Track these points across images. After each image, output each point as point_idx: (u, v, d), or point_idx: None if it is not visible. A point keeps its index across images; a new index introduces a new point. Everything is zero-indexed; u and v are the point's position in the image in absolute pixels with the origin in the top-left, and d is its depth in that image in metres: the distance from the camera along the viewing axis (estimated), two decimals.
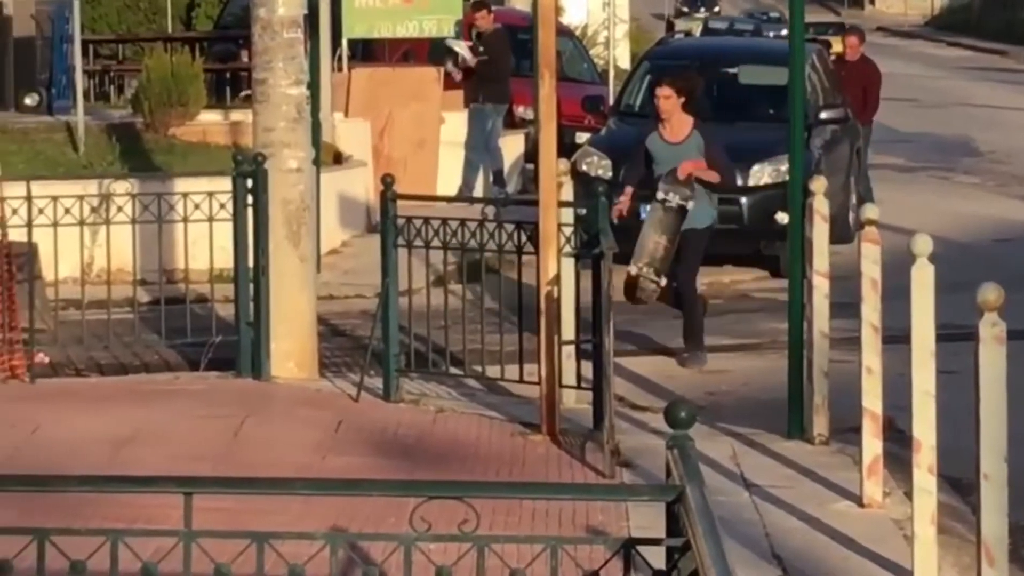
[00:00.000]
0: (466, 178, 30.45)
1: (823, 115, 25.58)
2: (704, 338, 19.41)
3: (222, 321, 18.96)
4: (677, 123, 17.08)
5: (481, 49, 31.31)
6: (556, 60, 16.38)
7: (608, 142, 26.74)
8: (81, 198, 20.33)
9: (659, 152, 17.32)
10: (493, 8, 36.02)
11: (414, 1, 30.38)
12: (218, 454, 14.10)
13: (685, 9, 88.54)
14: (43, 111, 30.15)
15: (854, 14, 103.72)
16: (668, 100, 17.23)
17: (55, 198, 20.00)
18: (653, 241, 18.68)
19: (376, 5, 30.18)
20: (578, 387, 15.95)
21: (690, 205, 18.66)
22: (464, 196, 27.19)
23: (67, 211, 19.80)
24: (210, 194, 18.67)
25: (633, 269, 18.96)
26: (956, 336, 11.77)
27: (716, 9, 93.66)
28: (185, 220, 19.72)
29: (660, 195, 18.44)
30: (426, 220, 17.65)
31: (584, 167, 24.16)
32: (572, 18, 38.25)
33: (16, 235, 18.90)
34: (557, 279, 15.65)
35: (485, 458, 14.55)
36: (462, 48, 31.30)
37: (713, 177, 18.78)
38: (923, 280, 12.37)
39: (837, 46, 32.25)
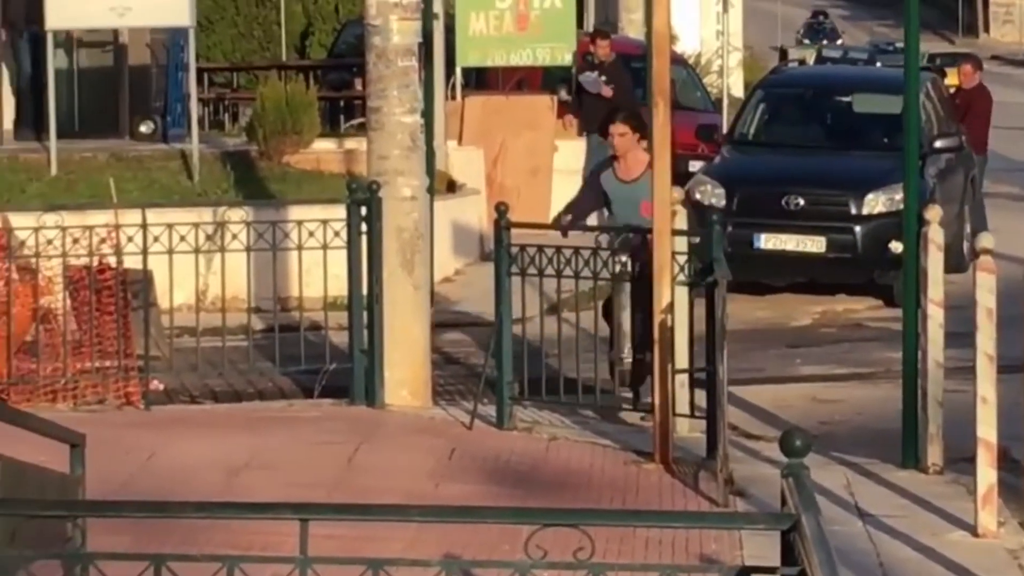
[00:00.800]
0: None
1: (938, 144, 25.41)
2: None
3: (336, 349, 18.97)
4: (632, 161, 16.49)
5: (603, 79, 31.34)
6: (670, 88, 16.31)
7: (722, 171, 26.65)
8: (196, 226, 20.38)
9: (613, 190, 16.73)
10: (609, 35, 36.02)
11: (528, 29, 30.39)
12: (332, 481, 14.10)
13: (806, 41, 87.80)
14: (158, 139, 30.27)
15: (968, 42, 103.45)
16: (623, 137, 16.58)
17: (170, 226, 20.06)
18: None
19: (490, 33, 30.20)
20: (691, 415, 15.90)
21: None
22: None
23: (182, 239, 19.85)
24: (324, 222, 18.69)
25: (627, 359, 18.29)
26: None
27: (839, 41, 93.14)
28: (299, 248, 19.76)
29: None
30: (540, 248, 17.62)
31: (698, 196, 24.10)
32: (686, 46, 38.13)
33: (131, 262, 18.96)
34: (671, 307, 15.62)
35: (598, 486, 14.52)
36: (594, 83, 31.37)
37: None
38: None
39: (952, 78, 31.97)
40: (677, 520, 11.85)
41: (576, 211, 17.52)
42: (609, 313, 18.00)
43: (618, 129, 16.48)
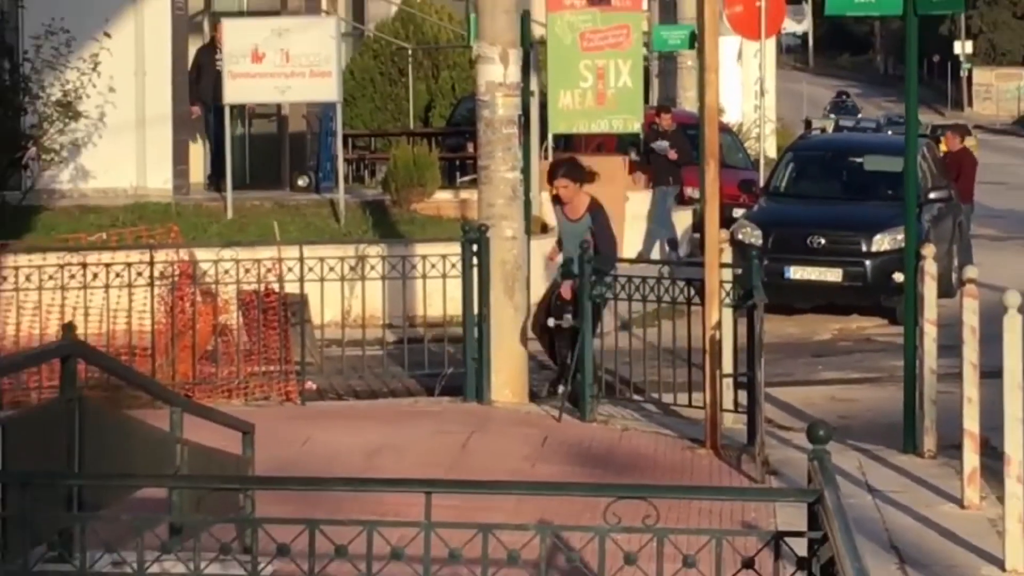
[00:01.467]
0: (647, 244, 30.45)
1: (931, 195, 25.37)
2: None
3: (452, 357, 18.98)
4: (576, 204, 16.52)
5: (666, 146, 31.35)
6: (719, 151, 16.29)
7: (759, 216, 26.69)
8: (342, 259, 20.43)
9: (563, 226, 16.78)
10: (671, 109, 36.14)
11: (605, 103, 30.33)
12: (449, 463, 14.11)
13: (832, 115, 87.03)
14: (312, 191, 30.35)
15: (955, 115, 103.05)
16: (566, 188, 16.63)
17: (322, 259, 20.12)
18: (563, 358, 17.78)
19: (575, 107, 30.17)
20: (735, 411, 15.84)
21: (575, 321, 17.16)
22: (645, 259, 27.13)
23: (331, 269, 19.91)
24: (444, 256, 18.71)
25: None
26: None
27: (859, 115, 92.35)
28: (424, 277, 19.76)
29: (551, 322, 17.66)
30: (615, 277, 17.65)
31: (740, 236, 24.05)
32: (730, 117, 37.95)
33: (291, 288, 19.04)
34: (719, 325, 15.60)
35: (660, 467, 14.51)
36: (663, 149, 31.44)
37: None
38: (1013, 327, 12.31)
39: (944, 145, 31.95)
40: (724, 494, 11.82)
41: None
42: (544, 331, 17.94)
43: (561, 183, 16.67)
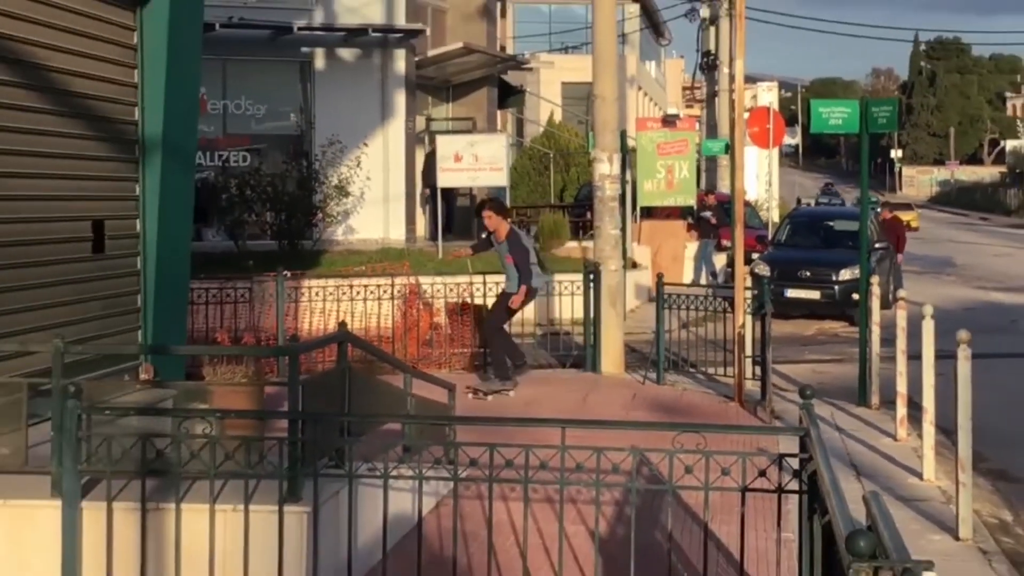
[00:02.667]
0: (696, 274, 30.34)
1: (876, 245, 25.25)
2: (507, 371, 15.76)
3: (576, 344, 18.96)
4: (500, 230, 15.22)
5: (709, 214, 31.34)
6: (743, 217, 16.25)
7: (768, 258, 26.66)
8: None
9: (496, 248, 15.62)
10: (714, 191, 36.09)
11: (672, 187, 30.37)
12: (575, 409, 14.12)
13: (824, 200, 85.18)
14: None
15: (891, 195, 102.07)
16: (491, 219, 15.30)
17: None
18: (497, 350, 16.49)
19: (654, 189, 30.17)
20: (753, 379, 15.71)
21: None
22: (696, 283, 27.05)
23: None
24: (572, 282, 18.72)
25: None
26: (944, 356, 11.59)
27: (841, 199, 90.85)
28: (559, 295, 19.75)
29: (506, 326, 16.50)
30: (678, 295, 17.61)
31: (756, 270, 24.03)
32: (750, 196, 37.71)
33: (477, 300, 19.11)
34: (743, 325, 15.53)
35: (706, 413, 14.45)
36: (708, 217, 31.47)
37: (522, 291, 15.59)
38: (928, 327, 12.22)
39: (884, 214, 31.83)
40: (747, 430, 11.74)
41: (477, 246, 16.90)
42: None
43: (486, 213, 15.38)
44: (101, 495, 7.40)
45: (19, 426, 7.86)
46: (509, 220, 14.81)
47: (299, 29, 27.87)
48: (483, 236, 16.65)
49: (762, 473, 6.81)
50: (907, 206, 70.73)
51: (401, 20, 29.19)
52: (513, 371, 15.72)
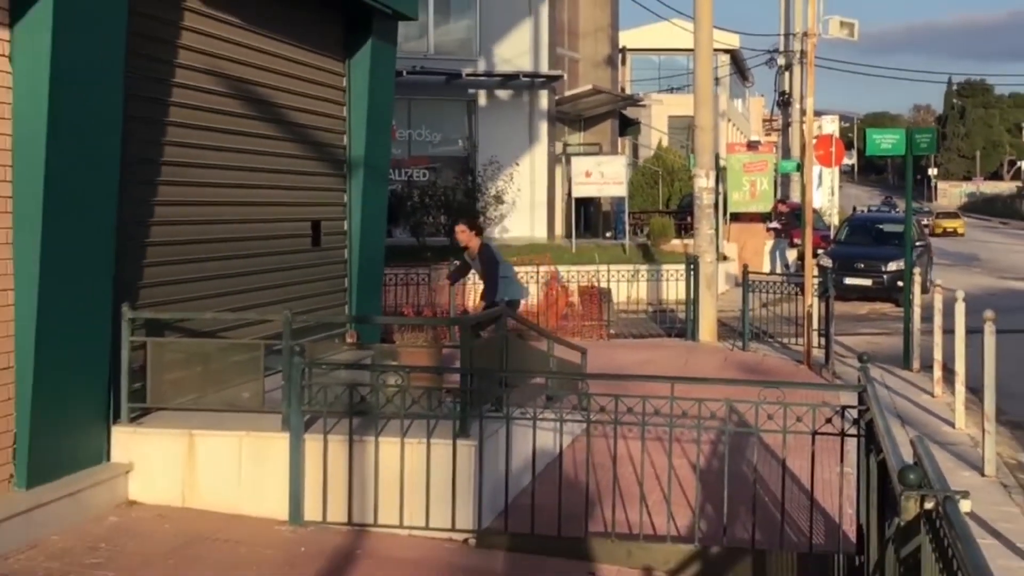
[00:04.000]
0: (772, 266, 29.92)
1: (917, 243, 24.67)
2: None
3: (679, 319, 18.84)
4: (472, 246, 11.86)
5: (777, 225, 30.92)
6: (812, 221, 16.00)
7: (831, 253, 26.08)
8: (634, 272, 20.48)
9: (469, 261, 12.16)
10: (787, 200, 35.51)
11: (755, 198, 30.03)
12: (679, 368, 13.96)
13: (886, 208, 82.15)
14: (613, 238, 30.35)
15: (928, 204, 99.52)
16: (464, 233, 11.98)
17: (618, 270, 20.19)
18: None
19: (740, 199, 29.85)
20: (819, 347, 15.46)
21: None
22: (772, 272, 26.68)
23: (622, 276, 19.95)
24: (676, 271, 18.62)
25: None
26: (973, 331, 11.31)
27: (898, 208, 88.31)
28: (666, 280, 19.66)
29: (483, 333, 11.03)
30: (760, 281, 17.41)
31: (821, 262, 23.57)
32: (816, 204, 37.11)
33: (603, 284, 19.04)
34: (811, 306, 15.30)
35: (782, 373, 14.24)
36: (780, 224, 31.11)
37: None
38: (960, 308, 11.94)
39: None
40: (815, 387, 11.59)
41: (454, 274, 12.99)
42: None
43: (459, 228, 12.06)
44: (318, 429, 7.53)
45: (258, 376, 8.01)
46: (480, 236, 12.08)
47: (466, 75, 28.14)
48: (456, 263, 13.73)
49: (828, 420, 6.73)
50: (954, 215, 68.52)
51: (544, 68, 29.21)
52: None
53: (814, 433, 6.72)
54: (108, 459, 7.79)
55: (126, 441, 7.83)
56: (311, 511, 7.42)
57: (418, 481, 7.30)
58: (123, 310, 7.84)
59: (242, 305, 9.58)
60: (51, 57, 6.83)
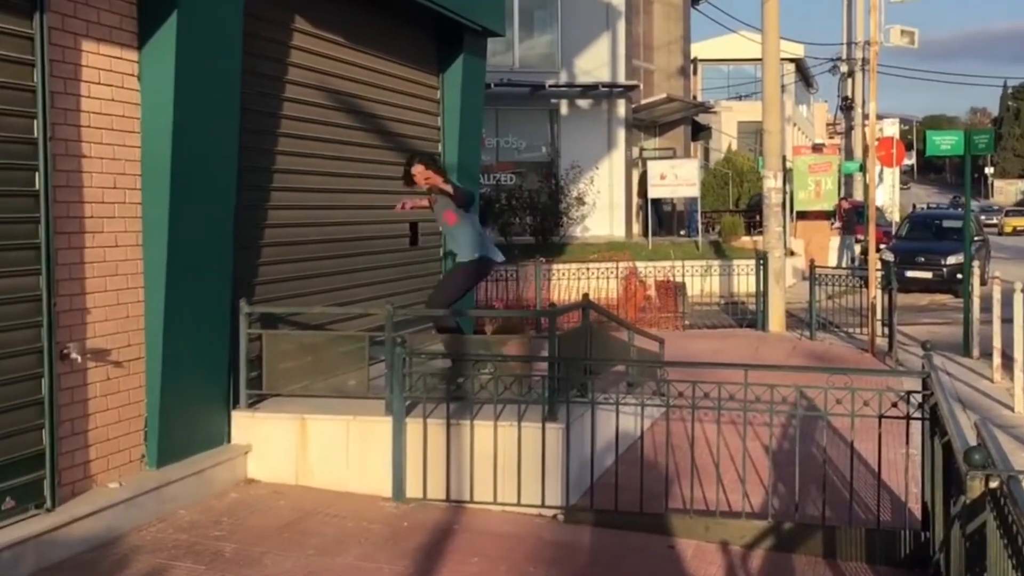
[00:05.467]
0: (839, 260, 29.49)
1: (975, 238, 24.16)
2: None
3: (750, 311, 18.65)
4: (436, 183, 8.58)
5: (845, 217, 30.45)
6: (875, 218, 15.76)
7: (893, 247, 25.48)
8: (707, 267, 20.31)
9: (434, 208, 8.88)
10: (849, 198, 34.95)
11: (820, 197, 29.64)
12: (751, 356, 13.79)
13: (953, 207, 79.91)
14: (687, 236, 30.12)
15: (985, 201, 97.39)
16: (421, 174, 8.50)
17: (692, 266, 20.01)
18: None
19: (806, 198, 29.51)
20: (883, 335, 15.24)
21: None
22: (838, 266, 26.30)
23: (695, 271, 19.80)
24: (747, 265, 18.41)
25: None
26: None
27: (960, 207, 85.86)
28: (737, 274, 19.43)
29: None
30: (826, 275, 17.17)
31: (884, 256, 23.05)
32: (879, 202, 36.51)
33: (678, 278, 18.90)
34: (875, 297, 15.06)
35: (848, 360, 14.03)
36: (841, 223, 30.71)
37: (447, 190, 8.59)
38: (1019, 299, 11.70)
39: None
40: (880, 374, 11.40)
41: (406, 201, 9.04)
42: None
43: (417, 168, 8.62)
44: (418, 414, 7.58)
45: (363, 365, 8.08)
46: (444, 175, 8.76)
47: (549, 86, 28.14)
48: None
49: (894, 404, 6.62)
50: (1022, 212, 65.98)
51: (621, 78, 29.08)
52: None
53: (880, 417, 6.61)
54: (229, 441, 7.91)
55: (245, 424, 7.94)
56: (412, 488, 7.47)
57: (510, 461, 7.31)
58: (241, 305, 7.96)
59: (347, 300, 9.67)
60: (175, 77, 6.95)
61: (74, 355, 6.45)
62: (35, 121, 6.12)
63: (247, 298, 8.06)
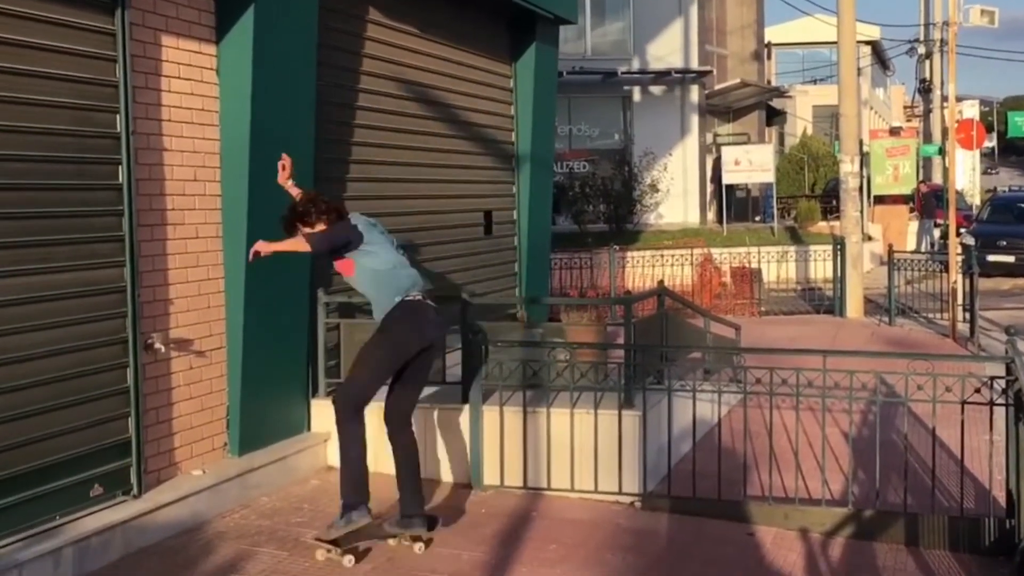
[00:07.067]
0: (917, 245, 28.96)
1: None
2: (348, 481, 5.99)
3: (825, 296, 18.37)
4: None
5: (922, 201, 29.91)
6: (955, 201, 15.45)
7: (974, 231, 24.93)
8: (784, 253, 20.03)
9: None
10: (928, 182, 34.25)
11: (898, 181, 29.17)
12: (829, 342, 13.56)
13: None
14: (762, 222, 29.77)
15: None
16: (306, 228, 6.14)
17: (768, 252, 19.76)
18: None
19: (884, 182, 29.05)
20: (963, 321, 14.92)
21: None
22: (917, 251, 25.83)
23: (771, 256, 19.55)
24: (824, 251, 18.16)
25: None
26: None
27: None
28: (814, 260, 19.17)
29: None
30: (904, 260, 16.89)
31: (964, 240, 22.59)
32: (959, 185, 35.80)
33: (753, 264, 18.68)
34: (955, 282, 14.78)
35: (929, 346, 13.72)
36: (918, 206, 30.19)
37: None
38: None
39: None
40: (962, 359, 11.18)
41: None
42: None
43: (304, 229, 6.17)
44: (495, 401, 7.59)
45: (439, 354, 8.10)
46: (331, 217, 6.20)
47: (621, 73, 28.00)
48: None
49: (977, 390, 6.48)
50: None
51: (694, 64, 28.84)
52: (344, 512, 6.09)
53: (963, 403, 6.48)
54: (309, 429, 7.99)
55: (324, 413, 8.00)
56: (489, 476, 7.49)
57: (586, 448, 7.30)
58: (319, 295, 8.03)
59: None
60: (252, 70, 7.02)
61: (158, 345, 6.55)
62: (118, 116, 6.23)
63: (325, 288, 8.13)
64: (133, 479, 6.36)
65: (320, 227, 6.13)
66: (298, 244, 6.00)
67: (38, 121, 5.74)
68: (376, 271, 6.10)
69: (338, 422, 5.94)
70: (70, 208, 5.94)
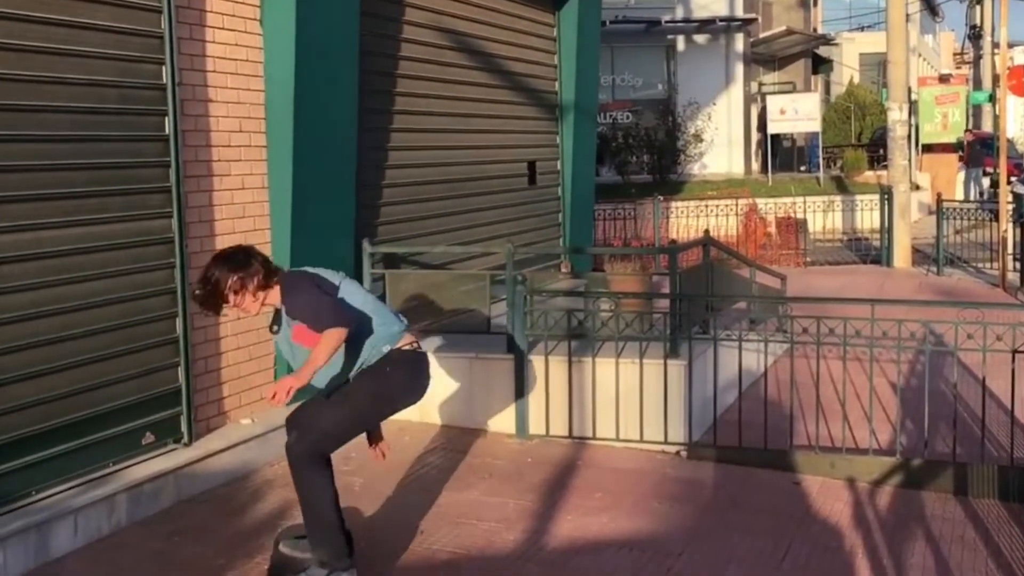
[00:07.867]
0: (965, 193, 28.55)
1: None
2: (325, 541, 4.73)
3: (874, 246, 18.18)
4: (272, 300, 4.87)
5: (970, 149, 29.45)
6: (1006, 149, 15.18)
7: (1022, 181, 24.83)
8: (823, 202, 19.83)
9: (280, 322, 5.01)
10: (976, 130, 33.68)
11: (947, 129, 28.77)
12: (876, 291, 13.37)
13: None
14: (807, 171, 29.43)
15: None
16: (243, 300, 4.76)
17: (814, 201, 19.55)
18: None
19: (933, 130, 28.65)
20: (1013, 270, 14.75)
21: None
22: (967, 200, 25.48)
23: (818, 207, 19.30)
24: (871, 200, 17.92)
25: None
26: None
27: None
28: (860, 210, 18.99)
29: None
30: (952, 209, 16.66)
31: (1015, 189, 22.25)
32: (1010, 133, 35.19)
33: (799, 214, 18.50)
34: (1006, 230, 14.57)
35: (978, 295, 13.56)
36: (973, 150, 29.71)
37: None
38: None
39: None
40: (1013, 308, 11.03)
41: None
42: None
43: (230, 297, 4.75)
44: (540, 351, 7.60)
45: (485, 304, 8.12)
46: (272, 280, 4.83)
47: (665, 22, 27.76)
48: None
49: None
50: None
51: (739, 12, 28.49)
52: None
53: (1014, 351, 6.41)
54: None
55: None
56: (535, 425, 7.52)
57: (632, 398, 7.30)
58: (364, 245, 8.05)
59: (468, 240, 9.71)
60: (295, 21, 7.01)
61: None
62: (163, 67, 6.24)
63: (370, 238, 8.15)
64: (184, 427, 6.44)
65: (258, 292, 4.77)
66: (321, 348, 4.63)
67: (86, 73, 5.76)
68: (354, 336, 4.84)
69: (299, 470, 4.68)
70: (119, 159, 5.98)
